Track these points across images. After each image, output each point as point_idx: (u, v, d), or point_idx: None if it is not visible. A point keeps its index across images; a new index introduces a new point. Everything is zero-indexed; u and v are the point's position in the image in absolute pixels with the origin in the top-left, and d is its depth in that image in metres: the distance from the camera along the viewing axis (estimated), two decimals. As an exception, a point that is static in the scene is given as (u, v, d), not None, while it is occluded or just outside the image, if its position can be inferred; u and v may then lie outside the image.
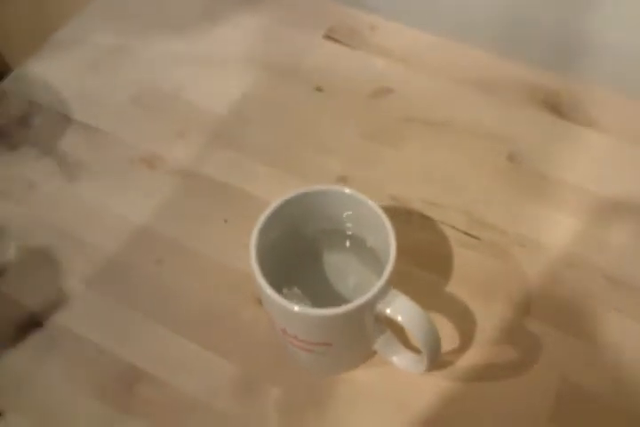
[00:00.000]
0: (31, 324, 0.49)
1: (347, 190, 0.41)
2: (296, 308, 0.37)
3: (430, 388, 0.45)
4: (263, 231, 0.40)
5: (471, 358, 0.46)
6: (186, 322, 0.49)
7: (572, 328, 0.47)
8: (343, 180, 0.55)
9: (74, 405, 0.46)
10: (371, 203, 0.41)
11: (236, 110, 0.60)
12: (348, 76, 0.61)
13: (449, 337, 0.47)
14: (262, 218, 0.41)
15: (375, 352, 0.46)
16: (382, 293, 0.38)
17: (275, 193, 0.53)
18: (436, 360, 0.41)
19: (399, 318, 0.38)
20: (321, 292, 0.45)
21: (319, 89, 0.60)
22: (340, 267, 0.47)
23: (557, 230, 0.51)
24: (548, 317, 0.47)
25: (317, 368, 0.47)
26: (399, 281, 0.47)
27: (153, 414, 0.45)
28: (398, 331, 0.44)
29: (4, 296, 0.50)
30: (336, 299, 0.45)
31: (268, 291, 0.38)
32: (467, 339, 0.47)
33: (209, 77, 0.62)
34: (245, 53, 0.63)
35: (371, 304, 0.38)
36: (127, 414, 0.45)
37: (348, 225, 0.45)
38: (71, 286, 0.51)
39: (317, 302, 0.44)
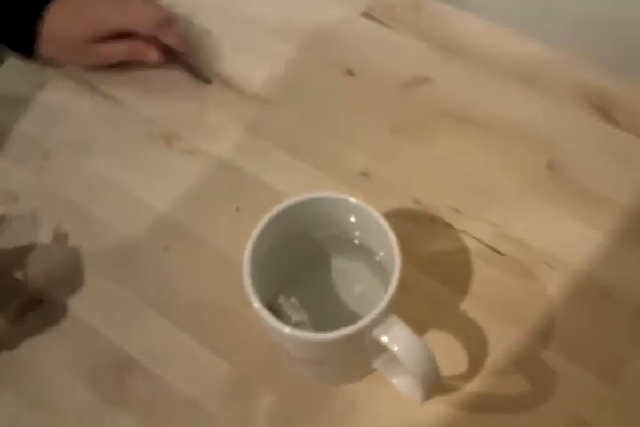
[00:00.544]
0: (32, 300, 0.48)
1: (352, 199, 0.38)
2: (286, 329, 0.35)
3: (430, 412, 0.42)
4: (261, 237, 0.38)
5: (478, 385, 0.43)
6: (186, 315, 0.47)
7: (593, 365, 0.43)
8: (364, 175, 0.51)
9: (64, 388, 0.45)
10: (376, 215, 0.37)
11: (261, 89, 0.56)
12: (383, 60, 0.56)
13: (457, 360, 0.43)
14: (261, 223, 0.38)
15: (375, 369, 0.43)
16: (380, 319, 0.35)
17: (290, 184, 0.51)
18: (433, 393, 0.37)
19: (395, 349, 0.35)
20: (323, 298, 0.43)
21: (350, 72, 0.56)
22: (348, 273, 0.44)
23: (592, 252, 0.46)
24: (568, 349, 0.43)
25: (312, 379, 0.44)
26: (411, 292, 0.45)
27: (141, 407, 0.44)
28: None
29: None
30: (338, 308, 0.42)
31: (257, 305, 0.35)
32: (475, 364, 0.43)
33: (235, 48, 0.58)
34: (274, 23, 0.59)
35: (366, 330, 0.35)
36: (116, 405, 0.44)
37: (356, 233, 0.42)
38: (75, 264, 0.49)
39: (317, 310, 0.42)
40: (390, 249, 0.36)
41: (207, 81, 0.57)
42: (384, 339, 0.35)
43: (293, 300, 0.41)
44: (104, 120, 0.56)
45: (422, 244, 0.47)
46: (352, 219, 0.40)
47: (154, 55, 0.56)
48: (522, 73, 0.55)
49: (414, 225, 0.48)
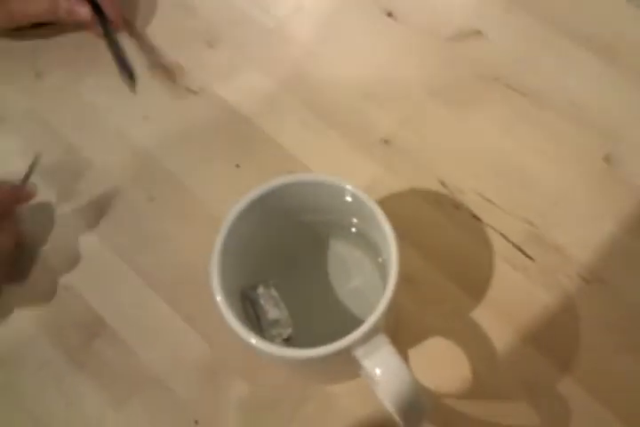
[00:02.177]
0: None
1: (348, 186, 0.31)
2: (253, 340, 0.30)
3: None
4: (242, 217, 0.32)
5: (477, 408, 0.37)
6: (169, 282, 0.42)
7: (617, 405, 0.36)
8: (386, 143, 0.43)
9: (28, 342, 0.42)
10: (377, 211, 0.30)
11: (283, 25, 0.49)
12: (431, 4, 0.48)
13: (458, 375, 0.37)
14: (243, 202, 0.32)
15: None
16: (364, 339, 0.29)
17: (302, 145, 0.45)
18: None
19: (376, 375, 0.29)
20: (314, 289, 0.38)
21: (390, 15, 0.47)
22: (347, 262, 0.39)
23: (637, 271, 0.39)
24: (591, 382, 0.37)
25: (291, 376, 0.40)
26: (418, 286, 0.39)
27: (103, 375, 0.40)
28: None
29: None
30: (329, 301, 0.38)
31: (219, 299, 0.30)
32: (478, 383, 0.37)
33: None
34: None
35: (346, 350, 0.29)
36: (78, 367, 0.41)
37: (354, 221, 0.35)
38: (51, 208, 0.45)
39: (304, 303, 0.37)
40: (389, 260, 0.29)
41: (130, 79, 0.46)
42: (366, 363, 0.29)
43: (273, 291, 0.35)
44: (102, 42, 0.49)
45: (440, 233, 0.41)
46: (351, 207, 0.33)
47: (84, 11, 0.46)
48: (597, 40, 0.45)
49: (434, 210, 0.41)
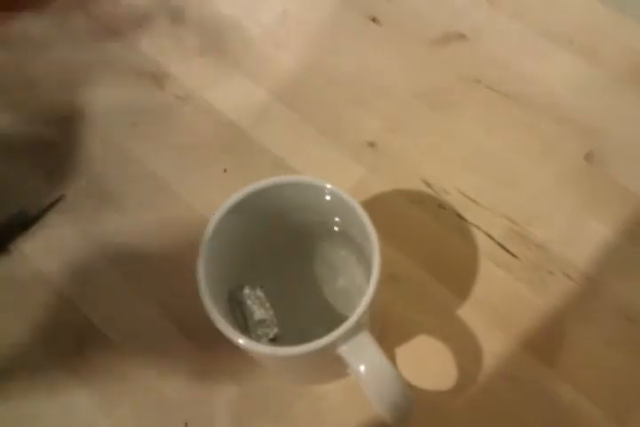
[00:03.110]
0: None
1: (327, 185, 0.32)
2: (240, 340, 0.30)
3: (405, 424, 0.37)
4: (225, 220, 0.32)
5: (463, 404, 0.37)
6: (154, 283, 0.42)
7: (602, 399, 0.37)
8: (372, 146, 0.44)
9: (20, 350, 0.42)
10: (365, 219, 0.31)
11: (269, 31, 0.49)
12: (415, 9, 0.48)
13: (444, 372, 0.38)
14: (230, 201, 0.32)
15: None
16: (347, 336, 0.29)
17: (289, 148, 0.46)
18: (405, 421, 0.32)
19: (361, 370, 0.29)
20: (300, 289, 0.39)
21: (375, 20, 0.48)
22: (333, 262, 0.39)
23: (620, 267, 0.39)
24: (575, 377, 0.37)
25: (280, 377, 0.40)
26: (402, 284, 0.40)
27: (95, 381, 0.40)
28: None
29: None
30: (315, 301, 0.38)
31: (208, 302, 0.30)
32: (464, 379, 0.38)
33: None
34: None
35: (329, 348, 0.29)
36: (71, 373, 0.41)
37: (337, 220, 0.36)
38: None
39: (290, 303, 0.37)
40: (371, 258, 0.30)
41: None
42: (350, 360, 0.30)
43: (259, 292, 0.35)
44: (96, 54, 0.50)
45: (424, 232, 0.41)
46: (333, 206, 0.34)
47: None
48: (578, 42, 0.46)
49: (419, 210, 0.42)
